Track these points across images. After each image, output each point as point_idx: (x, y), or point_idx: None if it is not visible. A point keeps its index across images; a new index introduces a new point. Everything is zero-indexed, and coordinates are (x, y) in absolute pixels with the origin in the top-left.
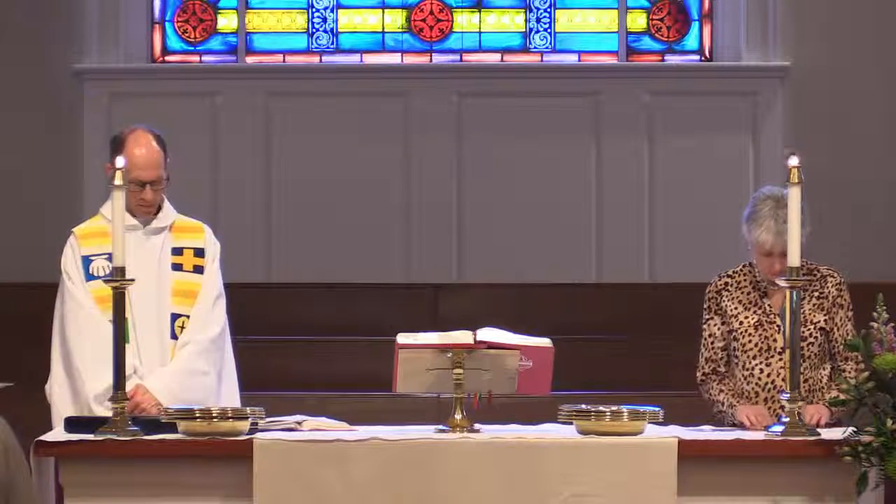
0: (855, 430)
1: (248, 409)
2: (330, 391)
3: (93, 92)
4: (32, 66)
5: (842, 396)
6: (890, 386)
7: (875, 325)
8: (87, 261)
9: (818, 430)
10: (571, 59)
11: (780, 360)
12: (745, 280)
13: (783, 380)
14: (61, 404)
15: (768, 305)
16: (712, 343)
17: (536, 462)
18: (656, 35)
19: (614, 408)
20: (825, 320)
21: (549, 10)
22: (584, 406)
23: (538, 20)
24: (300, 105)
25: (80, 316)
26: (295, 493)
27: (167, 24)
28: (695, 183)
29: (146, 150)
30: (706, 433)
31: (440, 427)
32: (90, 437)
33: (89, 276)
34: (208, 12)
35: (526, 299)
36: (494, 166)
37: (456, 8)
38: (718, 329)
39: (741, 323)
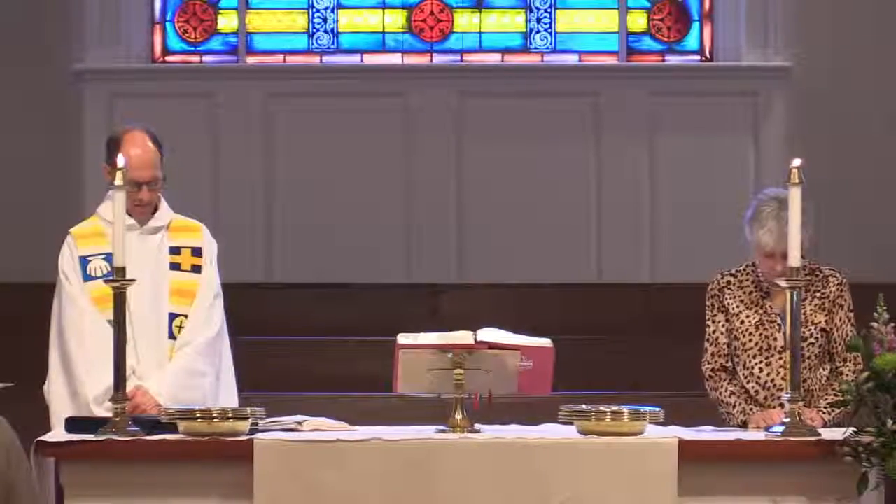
0: (855, 430)
1: (248, 409)
2: (330, 391)
3: (93, 92)
4: (32, 66)
5: (840, 398)
6: (890, 386)
7: (875, 325)
8: (84, 261)
9: (818, 430)
10: (572, 59)
11: (780, 359)
12: (747, 280)
13: (783, 379)
14: (59, 405)
15: (769, 306)
16: (717, 338)
17: (537, 462)
18: (656, 35)
19: (615, 408)
20: (826, 321)
21: (549, 10)
22: (584, 406)
23: (538, 20)
24: (300, 105)
25: (78, 317)
26: (295, 493)
27: (167, 24)
28: (695, 183)
29: (142, 151)
30: (707, 434)
31: (440, 427)
32: (90, 437)
33: (87, 277)
34: (208, 12)
35: (526, 299)
36: (494, 166)
37: (456, 8)
38: (723, 325)
39: (742, 322)
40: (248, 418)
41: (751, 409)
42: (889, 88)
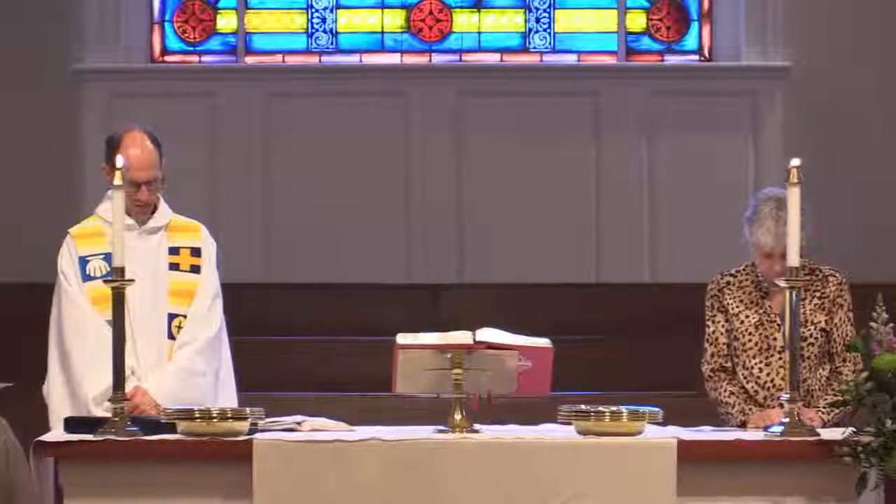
0: (855, 430)
1: (247, 409)
2: (330, 391)
3: (93, 92)
4: (32, 66)
5: (839, 398)
6: (889, 386)
7: (874, 325)
8: (83, 261)
9: (817, 430)
10: (571, 59)
11: (780, 359)
12: (746, 280)
13: (783, 379)
14: (59, 405)
15: (769, 306)
16: (717, 339)
17: (536, 463)
18: (655, 35)
19: (614, 408)
20: (826, 321)
21: (548, 10)
22: (583, 406)
23: (537, 20)
24: (300, 105)
25: (77, 317)
26: (294, 493)
27: (167, 24)
28: (695, 183)
29: (141, 151)
30: (706, 434)
31: (440, 427)
32: (89, 437)
33: (86, 277)
34: (207, 12)
35: (526, 299)
36: (494, 166)
37: (455, 8)
38: (722, 325)
39: (742, 322)
40: (247, 418)
41: (750, 409)
42: (888, 88)
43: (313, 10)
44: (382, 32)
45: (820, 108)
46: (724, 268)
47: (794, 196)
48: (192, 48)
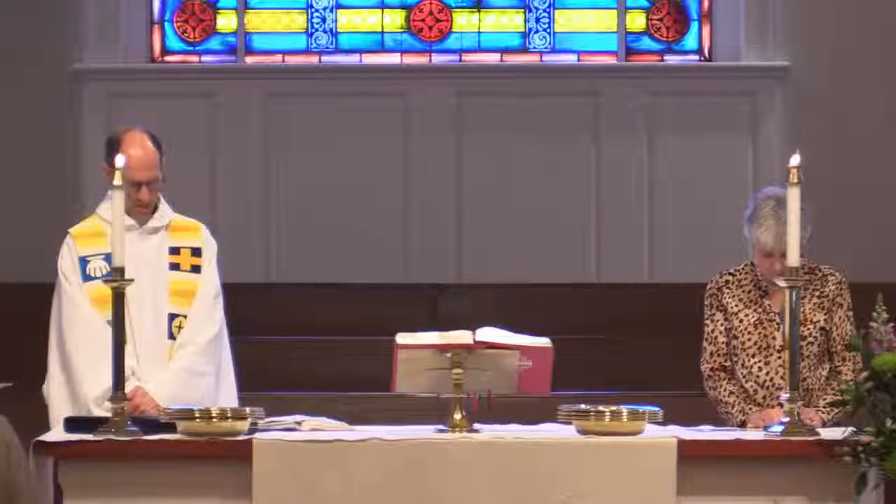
0: (854, 430)
1: (247, 409)
2: (330, 391)
3: (93, 92)
4: (32, 66)
5: (839, 398)
6: (889, 386)
7: (874, 325)
8: (83, 262)
9: (817, 429)
10: (571, 59)
11: (779, 358)
12: (746, 279)
13: (782, 378)
14: (59, 406)
15: (768, 304)
16: (716, 338)
17: (536, 462)
18: (655, 35)
19: (614, 408)
20: (825, 320)
21: (548, 10)
22: (583, 406)
23: (537, 20)
24: (300, 105)
25: (78, 317)
26: (294, 493)
27: (166, 24)
28: (694, 183)
29: (141, 151)
30: (706, 433)
31: (440, 427)
32: (89, 437)
33: (86, 277)
34: (207, 12)
35: (526, 299)
36: (494, 166)
37: (455, 8)
38: (721, 324)
39: (741, 321)
40: (246, 418)
41: (749, 409)
42: (888, 88)
43: (313, 10)
44: (382, 32)
45: (819, 108)
46: (723, 268)
47: (793, 196)
48: (192, 48)
